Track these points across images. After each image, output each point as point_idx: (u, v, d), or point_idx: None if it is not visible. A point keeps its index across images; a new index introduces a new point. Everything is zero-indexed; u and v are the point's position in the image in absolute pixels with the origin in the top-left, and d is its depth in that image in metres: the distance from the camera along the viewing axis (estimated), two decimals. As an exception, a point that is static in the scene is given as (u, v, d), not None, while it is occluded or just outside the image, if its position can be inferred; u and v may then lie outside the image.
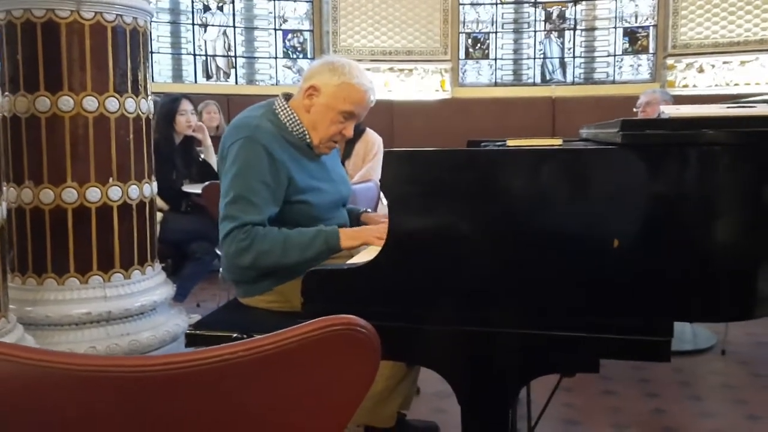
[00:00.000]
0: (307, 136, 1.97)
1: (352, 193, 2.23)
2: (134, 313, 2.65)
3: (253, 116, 1.97)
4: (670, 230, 1.31)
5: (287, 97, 2.04)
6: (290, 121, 1.98)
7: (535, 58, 8.08)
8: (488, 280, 1.36)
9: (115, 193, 2.61)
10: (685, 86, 7.30)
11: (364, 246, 1.97)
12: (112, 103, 2.58)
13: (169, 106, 3.84)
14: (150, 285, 2.75)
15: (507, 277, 1.34)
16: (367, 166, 4.06)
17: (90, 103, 2.53)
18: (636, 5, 7.75)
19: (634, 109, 4.12)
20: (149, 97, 2.78)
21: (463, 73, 8.18)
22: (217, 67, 7.85)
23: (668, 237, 1.30)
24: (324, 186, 2.00)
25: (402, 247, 1.39)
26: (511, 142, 2.01)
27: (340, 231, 1.84)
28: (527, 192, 1.36)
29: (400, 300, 1.39)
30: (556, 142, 2.05)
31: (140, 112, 2.70)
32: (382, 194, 3.74)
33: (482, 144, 2.50)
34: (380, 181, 1.42)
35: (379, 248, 1.74)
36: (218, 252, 3.51)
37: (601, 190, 1.32)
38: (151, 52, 7.12)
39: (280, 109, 2.00)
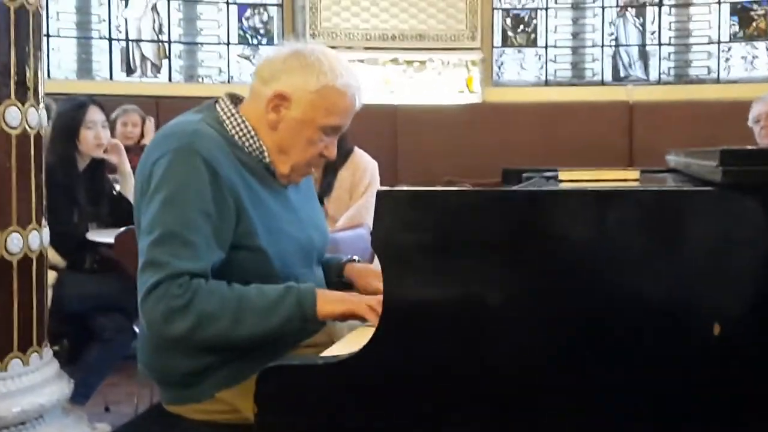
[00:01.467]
0: (265, 154, 2.00)
1: (329, 243, 2.25)
2: (11, 423, 2.61)
3: (187, 121, 2.00)
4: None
5: (235, 100, 2.07)
6: (241, 133, 2.00)
7: (603, 46, 8.17)
8: (527, 380, 1.37)
9: (-14, 244, 2.59)
10: (824, 87, 7.35)
11: (353, 323, 1.97)
12: (-15, 114, 2.58)
13: (70, 115, 3.86)
14: (35, 381, 2.70)
15: (554, 377, 1.35)
16: (357, 204, 4.06)
17: (-48, 113, 2.54)
18: (750, -29, 7.88)
19: (750, 124, 4.13)
20: (41, 104, 2.78)
21: (500, 67, 8.25)
22: (143, 57, 7.93)
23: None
24: (288, 229, 2.01)
25: (401, 329, 1.40)
26: (566, 175, 2.02)
27: (318, 291, 1.86)
28: (586, 252, 1.37)
29: (400, 409, 1.40)
30: (632, 175, 2.07)
31: (27, 126, 2.69)
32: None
33: (524, 175, 2.53)
34: (372, 233, 1.43)
35: (372, 329, 1.75)
36: (137, 329, 3.49)
37: (694, 251, 1.33)
38: (47, 36, 7.22)
39: (225, 116, 2.02)
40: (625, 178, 1.99)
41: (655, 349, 1.35)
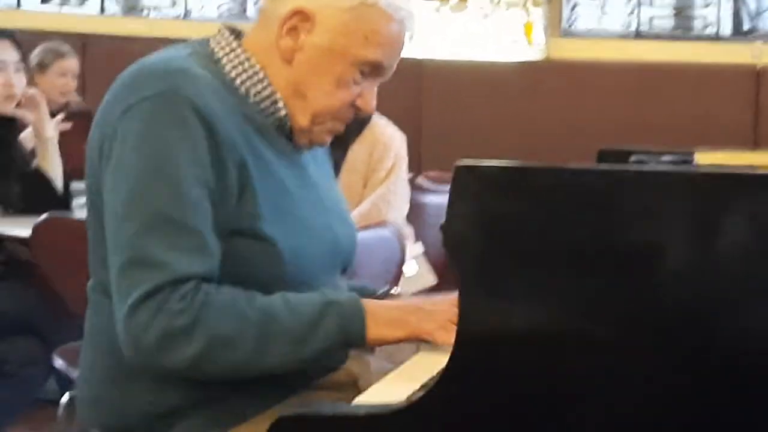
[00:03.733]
0: (280, 107, 2.00)
1: (356, 244, 2.26)
2: None
3: (170, 57, 2.00)
4: None
5: (236, 33, 2.08)
6: (246, 76, 2.01)
7: (719, -13, 8.19)
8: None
9: None
10: None
11: (383, 364, 2.03)
12: None
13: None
14: None
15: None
16: (375, 194, 4.06)
17: None
18: None
19: None
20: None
21: (572, 11, 8.27)
22: (65, -21, 7.98)
23: None
24: (306, 214, 2.03)
25: (483, 362, 1.43)
26: (707, 157, 2.02)
27: (367, 308, 1.88)
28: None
29: None
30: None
31: None
32: (411, 256, 3.72)
33: (633, 158, 2.53)
34: (444, 226, 1.41)
35: (419, 366, 1.74)
36: (58, 362, 3.48)
37: None
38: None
39: (224, 53, 2.03)
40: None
41: None
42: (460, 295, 1.44)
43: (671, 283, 1.40)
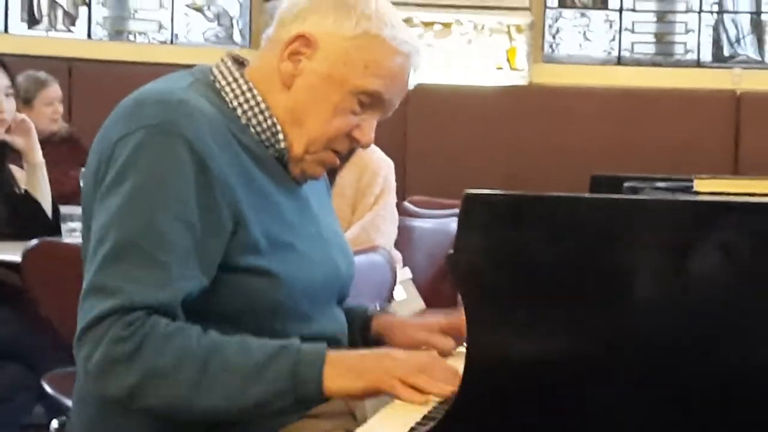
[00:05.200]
0: (281, 138, 2.00)
1: (354, 273, 2.25)
2: None
3: (171, 89, 1.97)
4: None
5: (239, 62, 2.07)
6: (247, 107, 2.00)
7: (701, 12, 8.29)
8: None
9: None
10: None
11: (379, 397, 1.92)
12: None
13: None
14: None
15: None
16: (363, 219, 4.06)
17: None
18: None
19: None
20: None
21: (554, 37, 8.32)
22: (53, 4, 8.00)
23: None
24: (305, 247, 2.00)
25: (494, 396, 1.42)
26: (707, 185, 2.00)
27: (328, 354, 1.82)
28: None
29: None
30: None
31: None
32: (399, 281, 3.70)
33: (626, 185, 2.53)
34: (450, 257, 1.39)
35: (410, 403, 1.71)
36: (46, 388, 3.44)
37: None
38: None
39: (225, 82, 2.02)
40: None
41: None
42: (468, 323, 1.43)
43: (676, 310, 1.41)
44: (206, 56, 2.02)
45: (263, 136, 1.98)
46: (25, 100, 4.98)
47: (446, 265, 1.45)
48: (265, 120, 1.98)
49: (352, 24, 1.95)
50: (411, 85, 2.04)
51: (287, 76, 1.97)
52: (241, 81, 2.00)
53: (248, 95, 1.98)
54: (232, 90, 1.99)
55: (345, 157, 4.00)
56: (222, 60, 2.04)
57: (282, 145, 1.98)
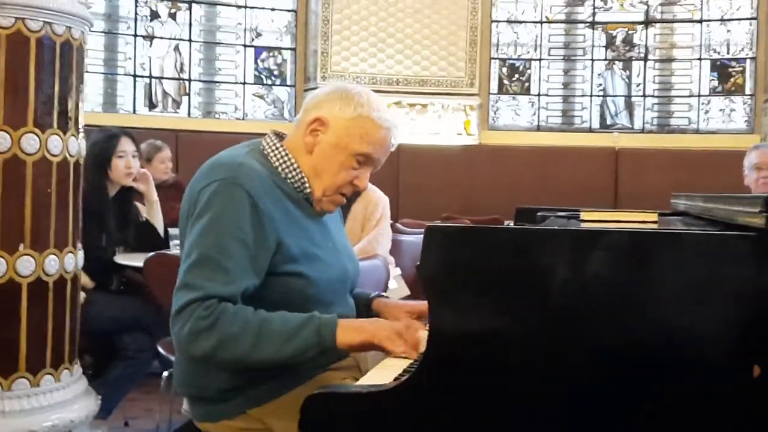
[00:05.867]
0: (307, 186, 1.99)
1: (359, 273, 2.22)
2: (42, 436, 2.55)
3: (235, 153, 1.98)
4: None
5: (279, 136, 2.06)
6: (285, 166, 1.99)
7: (592, 96, 8.22)
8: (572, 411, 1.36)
9: (25, 266, 2.55)
10: (796, 139, 7.38)
11: (373, 353, 1.93)
12: (30, 142, 2.56)
13: (103, 145, 3.82)
14: (66, 396, 2.67)
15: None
16: (368, 236, 4.03)
17: None
18: (728, 31, 7.93)
19: (745, 170, 4.05)
20: (81, 134, 2.76)
21: (495, 113, 8.28)
22: (165, 94, 7.94)
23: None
24: (326, 256, 1.99)
25: (448, 357, 1.39)
26: (589, 215, 1.99)
27: (339, 322, 1.81)
28: (631, 290, 1.37)
29: None
30: (649, 217, 2.03)
31: (68, 154, 2.67)
32: (392, 277, 3.69)
33: (538, 214, 2.49)
34: (419, 266, 1.39)
35: (395, 357, 1.70)
36: (160, 350, 3.44)
37: (737, 294, 1.29)
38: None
39: (270, 150, 2.02)
40: (645, 219, 1.95)
41: (693, 395, 1.34)
42: (430, 311, 1.42)
43: (564, 301, 1.39)
44: (265, 128, 2.03)
45: (296, 185, 1.98)
46: (147, 159, 4.96)
47: (416, 271, 1.44)
48: (297, 174, 1.98)
49: (351, 110, 1.95)
50: (393, 147, 2.03)
51: (310, 145, 1.97)
52: (281, 149, 2.00)
53: (285, 158, 1.99)
54: (275, 155, 1.99)
55: (356, 195, 4.01)
56: (268, 134, 2.05)
57: (308, 190, 1.98)
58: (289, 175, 1.98)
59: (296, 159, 1.99)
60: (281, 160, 1.99)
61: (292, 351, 1.78)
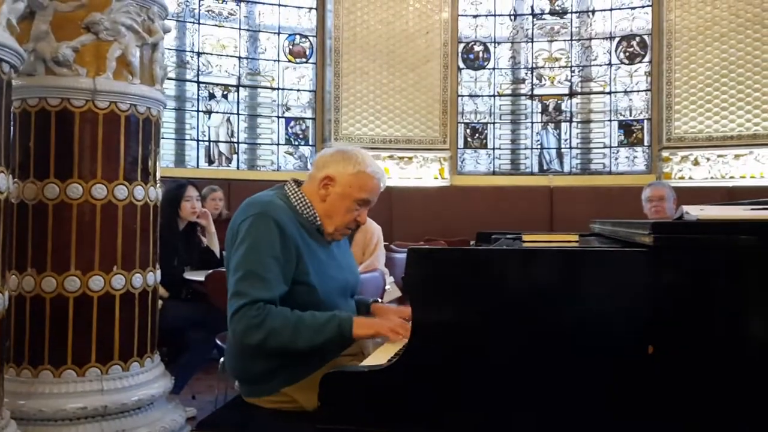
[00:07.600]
0: (318, 220, 1.98)
1: (360, 283, 2.21)
2: (131, 408, 2.53)
3: (265, 195, 1.99)
4: (704, 336, 1.27)
5: (298, 183, 2.06)
6: (301, 205, 1.99)
7: (532, 149, 8.22)
8: (512, 384, 1.36)
9: (118, 281, 2.55)
10: (681, 178, 7.41)
11: (376, 340, 1.93)
12: (120, 191, 2.56)
13: (175, 192, 3.84)
14: (148, 378, 2.64)
15: (530, 386, 1.35)
16: (370, 258, 4.01)
17: (99, 190, 2.51)
18: (630, 99, 7.98)
19: (643, 202, 4.05)
20: (158, 185, 2.77)
21: (462, 162, 8.30)
22: (220, 153, 7.94)
23: (703, 342, 1.26)
24: (331, 272, 1.98)
25: (427, 344, 1.39)
26: (528, 237, 1.99)
27: (354, 319, 1.81)
28: (555, 293, 1.36)
29: (426, 399, 1.38)
30: (572, 238, 2.03)
31: (149, 200, 2.68)
32: (388, 284, 3.69)
33: (492, 236, 2.48)
34: (404, 279, 1.39)
35: (394, 344, 1.70)
36: (217, 342, 3.42)
37: (634, 294, 1.29)
38: (155, 138, 7.23)
39: (291, 193, 2.01)
40: (569, 240, 1.96)
41: (603, 364, 1.33)
42: (412, 311, 1.41)
43: (511, 299, 1.38)
44: (293, 176, 2.04)
45: (310, 219, 1.97)
46: (204, 198, 4.96)
47: (402, 283, 1.44)
48: (310, 211, 1.97)
49: (351, 167, 1.95)
50: (382, 189, 2.02)
51: (323, 196, 1.97)
52: (299, 193, 2.00)
53: (302, 200, 1.98)
54: (294, 197, 1.99)
55: (358, 227, 3.99)
56: (289, 182, 2.05)
57: (319, 223, 1.97)
58: (305, 212, 1.98)
59: (312, 203, 1.98)
60: (299, 201, 1.98)
61: (321, 341, 1.79)
